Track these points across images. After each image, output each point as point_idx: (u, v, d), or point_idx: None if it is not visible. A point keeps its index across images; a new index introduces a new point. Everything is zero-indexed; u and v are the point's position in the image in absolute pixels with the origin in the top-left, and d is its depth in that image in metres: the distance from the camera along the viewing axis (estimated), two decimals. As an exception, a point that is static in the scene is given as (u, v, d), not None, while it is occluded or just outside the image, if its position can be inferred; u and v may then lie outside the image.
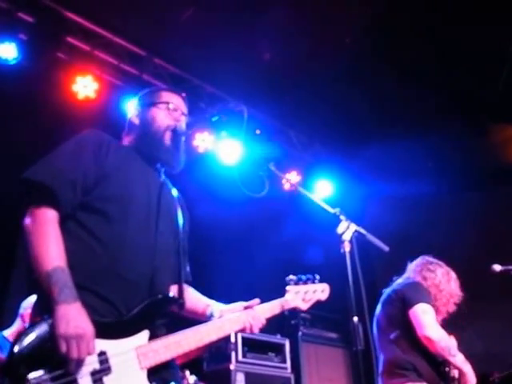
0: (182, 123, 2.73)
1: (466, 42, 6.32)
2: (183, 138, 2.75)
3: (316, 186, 8.06)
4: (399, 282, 4.25)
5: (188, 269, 2.80)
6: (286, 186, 7.71)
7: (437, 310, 4.08)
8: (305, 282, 2.99)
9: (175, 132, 2.69)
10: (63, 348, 2.03)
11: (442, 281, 4.17)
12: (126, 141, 2.74)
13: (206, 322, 2.61)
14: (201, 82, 6.98)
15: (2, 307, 5.40)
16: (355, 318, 2.73)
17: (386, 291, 4.22)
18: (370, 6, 6.09)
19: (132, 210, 2.43)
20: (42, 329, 2.06)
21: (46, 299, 2.11)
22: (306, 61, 6.65)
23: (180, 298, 2.56)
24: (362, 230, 3.02)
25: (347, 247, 2.91)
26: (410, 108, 7.17)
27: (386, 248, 3.07)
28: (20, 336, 2.04)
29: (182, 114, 2.78)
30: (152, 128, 2.68)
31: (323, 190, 8.04)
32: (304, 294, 2.97)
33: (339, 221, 2.99)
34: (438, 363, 3.89)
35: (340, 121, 7.43)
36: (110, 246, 2.33)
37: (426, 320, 3.84)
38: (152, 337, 2.29)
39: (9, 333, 4.85)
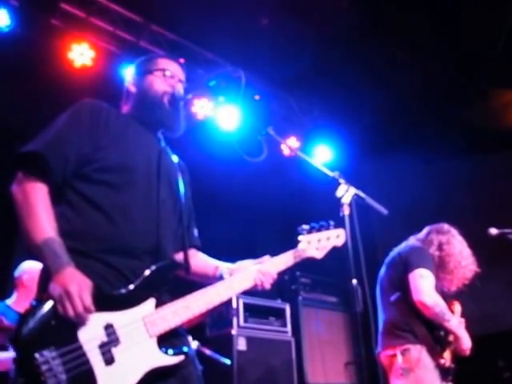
0: (180, 89, 2.71)
1: (465, 7, 6.24)
2: (182, 103, 2.73)
3: (315, 152, 8.05)
4: (406, 244, 4.29)
5: (196, 233, 2.81)
6: (286, 151, 7.70)
7: (457, 277, 4.16)
8: (318, 230, 2.89)
9: (173, 97, 2.68)
10: (60, 310, 2.05)
11: (462, 252, 4.23)
12: (125, 109, 2.73)
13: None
14: (198, 48, 6.90)
15: (6, 277, 5.42)
16: (354, 281, 2.75)
17: (392, 253, 4.27)
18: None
19: (133, 178, 2.42)
20: (47, 307, 2.07)
21: (47, 272, 2.14)
22: (304, 25, 6.57)
23: (186, 262, 2.56)
24: (362, 194, 3.02)
25: (346, 210, 2.92)
26: (410, 73, 7.11)
27: (385, 211, 3.07)
28: (27, 314, 2.04)
29: (179, 80, 2.77)
30: (149, 94, 2.67)
31: (322, 155, 8.04)
32: (317, 243, 2.87)
33: (338, 184, 2.99)
34: (434, 327, 3.95)
35: (339, 86, 7.38)
36: (114, 216, 2.32)
37: (423, 285, 3.88)
38: (158, 304, 2.28)
39: (11, 301, 4.91)
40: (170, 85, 2.71)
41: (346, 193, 2.95)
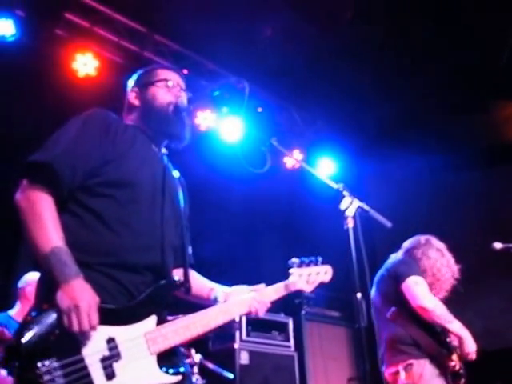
0: (183, 98, 2.71)
1: (468, 18, 6.24)
2: (185, 113, 2.71)
3: (318, 164, 8.02)
4: (390, 261, 4.26)
5: (190, 251, 2.79)
6: (289, 164, 7.67)
7: (436, 290, 4.12)
8: (307, 265, 2.98)
9: (177, 107, 2.67)
10: (65, 322, 2.03)
11: (436, 262, 4.19)
12: (129, 120, 2.70)
13: (210, 305, 2.60)
14: (202, 59, 6.90)
15: (9, 287, 5.41)
16: (358, 295, 2.70)
17: (379, 272, 4.23)
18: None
19: (138, 194, 2.40)
20: (49, 316, 2.05)
21: (50, 281, 2.10)
22: (308, 37, 6.57)
23: (187, 282, 2.56)
24: (366, 206, 2.99)
25: (350, 223, 2.88)
26: (412, 84, 7.10)
27: (389, 224, 3.04)
28: (27, 323, 2.03)
29: (182, 89, 2.76)
30: (154, 105, 2.66)
31: (326, 168, 8.00)
32: (307, 277, 2.95)
33: (342, 197, 2.95)
34: (437, 333, 3.92)
35: (342, 98, 7.36)
36: (118, 230, 2.31)
37: (419, 291, 3.88)
38: (160, 322, 2.28)
39: (14, 312, 4.94)
40: (174, 95, 2.70)
41: (350, 205, 2.91)
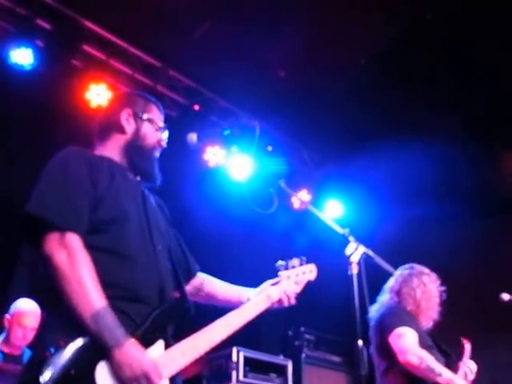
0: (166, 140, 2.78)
1: (480, 67, 6.28)
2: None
3: (326, 206, 7.98)
4: (376, 308, 4.12)
5: (193, 260, 2.85)
6: (296, 205, 7.64)
7: (426, 318, 4.02)
8: (293, 266, 3.00)
9: (160, 150, 2.75)
10: None
11: (418, 292, 4.06)
12: (104, 147, 2.66)
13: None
14: (214, 96, 6.99)
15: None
16: (360, 342, 2.66)
17: (371, 321, 4.09)
18: (385, 28, 6.13)
19: (129, 226, 2.41)
20: (67, 354, 2.03)
21: (66, 314, 2.09)
22: (320, 80, 6.64)
23: (186, 301, 2.51)
24: (371, 253, 2.96)
25: (355, 269, 2.85)
26: (424, 131, 7.12)
27: (394, 271, 3.02)
28: (46, 360, 2.00)
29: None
30: (144, 143, 2.67)
31: (333, 210, 7.95)
32: (295, 277, 2.96)
33: (348, 242, 2.93)
34: None
35: (352, 141, 7.39)
36: (119, 263, 2.31)
37: (403, 345, 3.73)
38: (167, 346, 2.29)
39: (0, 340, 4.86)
40: (160, 137, 2.74)
41: (355, 251, 2.89)
